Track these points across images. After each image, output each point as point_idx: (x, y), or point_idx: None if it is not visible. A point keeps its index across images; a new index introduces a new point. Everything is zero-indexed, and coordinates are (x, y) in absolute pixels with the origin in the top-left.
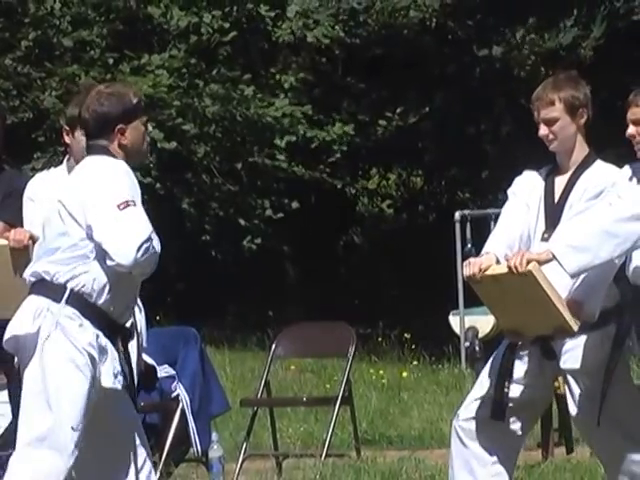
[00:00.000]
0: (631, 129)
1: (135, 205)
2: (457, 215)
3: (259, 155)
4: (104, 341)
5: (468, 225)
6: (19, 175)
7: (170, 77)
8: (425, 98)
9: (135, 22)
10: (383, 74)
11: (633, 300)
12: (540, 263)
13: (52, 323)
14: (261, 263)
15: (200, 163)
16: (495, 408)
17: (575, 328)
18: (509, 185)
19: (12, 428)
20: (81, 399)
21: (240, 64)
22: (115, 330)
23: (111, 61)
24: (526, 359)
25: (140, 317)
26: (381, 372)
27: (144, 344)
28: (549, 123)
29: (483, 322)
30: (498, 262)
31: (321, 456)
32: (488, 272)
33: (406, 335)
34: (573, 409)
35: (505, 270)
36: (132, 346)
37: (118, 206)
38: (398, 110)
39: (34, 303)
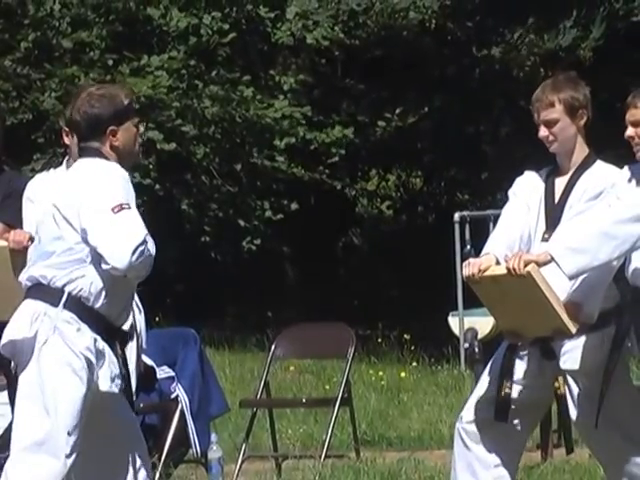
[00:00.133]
0: (630, 131)
1: (129, 208)
2: (456, 216)
3: (258, 156)
4: (102, 345)
5: (467, 226)
6: (19, 176)
7: (169, 78)
8: (424, 99)
9: (134, 23)
10: (382, 75)
11: (632, 301)
12: (538, 265)
13: (50, 327)
14: (261, 264)
15: (199, 164)
16: (498, 409)
17: (573, 330)
18: (509, 186)
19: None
20: (78, 403)
21: (239, 65)
22: (113, 333)
23: (110, 62)
24: (526, 359)
25: (140, 318)
26: (380, 373)
27: (144, 345)
28: (549, 124)
29: (482, 323)
30: (498, 263)
31: (320, 457)
32: (487, 273)
33: (405, 336)
34: (572, 410)
35: (504, 271)
36: (132, 347)
37: (112, 209)
38: (397, 111)
39: (31, 307)
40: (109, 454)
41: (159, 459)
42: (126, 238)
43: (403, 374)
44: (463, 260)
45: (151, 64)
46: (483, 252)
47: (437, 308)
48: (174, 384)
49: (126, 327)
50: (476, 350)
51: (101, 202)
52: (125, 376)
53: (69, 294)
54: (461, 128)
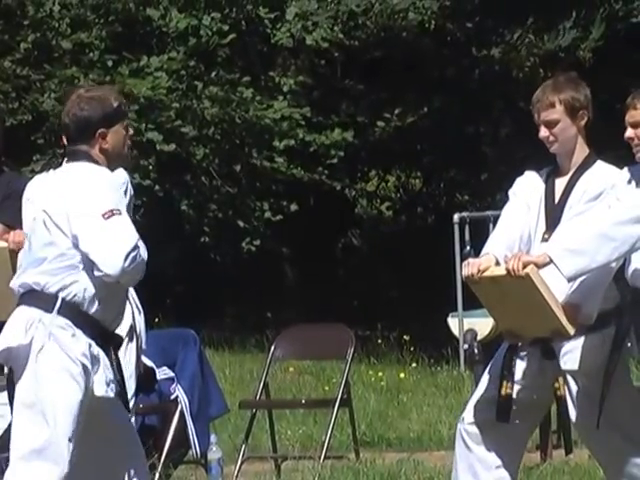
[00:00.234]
0: (629, 132)
1: (120, 214)
2: (456, 217)
3: (258, 157)
4: (96, 350)
5: (467, 227)
6: (18, 177)
7: (169, 79)
8: (424, 100)
9: (134, 24)
10: (382, 76)
11: (632, 302)
12: (537, 266)
13: (45, 334)
14: (260, 265)
15: (199, 165)
16: (500, 410)
17: (571, 332)
18: (508, 187)
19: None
20: (75, 409)
21: (239, 66)
22: (107, 338)
23: (110, 63)
24: (526, 360)
25: (139, 319)
26: (380, 374)
27: (143, 346)
28: (549, 125)
29: (482, 324)
30: (497, 263)
31: (320, 458)
32: (487, 273)
33: (405, 337)
34: (572, 411)
35: (503, 272)
36: (131, 348)
37: (103, 215)
38: (397, 112)
39: (25, 314)
40: (106, 458)
41: (159, 460)
42: (117, 245)
43: (402, 375)
44: (463, 261)
45: (151, 65)
46: (483, 252)
47: (437, 309)
48: (174, 385)
49: (124, 329)
50: (476, 351)
51: (91, 208)
52: (120, 380)
53: (63, 300)
54: (461, 129)
